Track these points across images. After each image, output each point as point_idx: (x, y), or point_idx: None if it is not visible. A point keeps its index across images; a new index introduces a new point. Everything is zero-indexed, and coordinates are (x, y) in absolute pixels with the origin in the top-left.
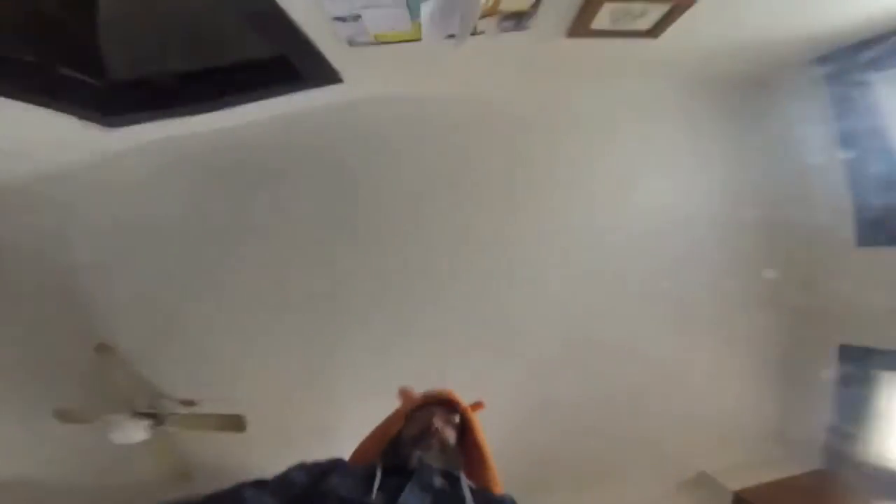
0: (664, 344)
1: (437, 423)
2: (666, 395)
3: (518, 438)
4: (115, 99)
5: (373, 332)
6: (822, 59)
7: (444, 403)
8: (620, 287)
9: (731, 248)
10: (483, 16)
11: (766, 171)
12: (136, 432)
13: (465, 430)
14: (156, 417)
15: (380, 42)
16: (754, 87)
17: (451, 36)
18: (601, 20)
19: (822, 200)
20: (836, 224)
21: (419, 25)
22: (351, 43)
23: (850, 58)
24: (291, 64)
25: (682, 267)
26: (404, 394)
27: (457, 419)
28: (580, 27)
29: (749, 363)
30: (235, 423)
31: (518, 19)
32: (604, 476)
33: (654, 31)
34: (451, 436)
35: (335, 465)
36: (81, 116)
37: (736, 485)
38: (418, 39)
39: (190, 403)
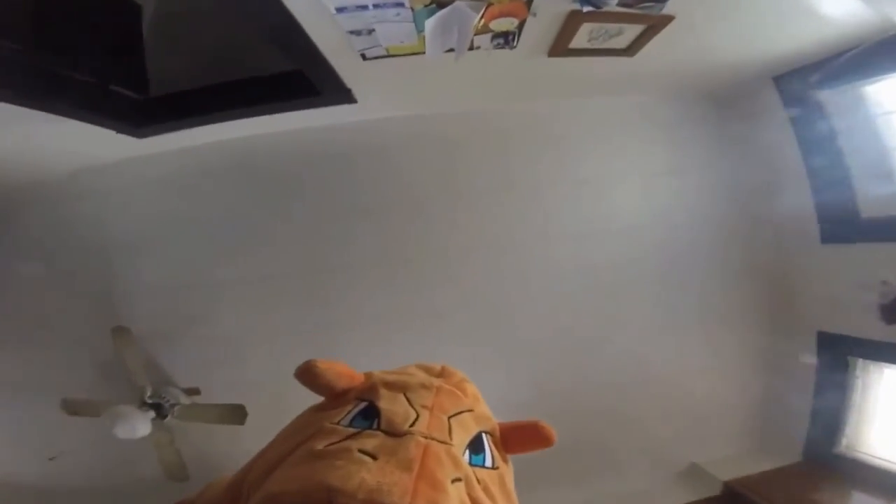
0: (655, 339)
1: None
2: (658, 389)
3: None
4: (149, 112)
5: (373, 321)
6: (779, 78)
7: None
8: (611, 285)
9: (711, 248)
10: (477, 33)
11: (738, 179)
12: (141, 425)
13: None
14: (160, 409)
15: (391, 55)
16: (724, 101)
17: (451, 50)
18: (579, 39)
19: (789, 204)
20: (803, 224)
21: (423, 39)
22: (365, 56)
23: (802, 77)
24: (309, 81)
25: (669, 265)
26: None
27: None
28: (560, 47)
29: (736, 357)
30: (236, 415)
31: (506, 38)
32: (598, 468)
33: (631, 49)
34: None
35: None
36: (119, 130)
37: (725, 475)
38: (423, 52)
39: (194, 392)
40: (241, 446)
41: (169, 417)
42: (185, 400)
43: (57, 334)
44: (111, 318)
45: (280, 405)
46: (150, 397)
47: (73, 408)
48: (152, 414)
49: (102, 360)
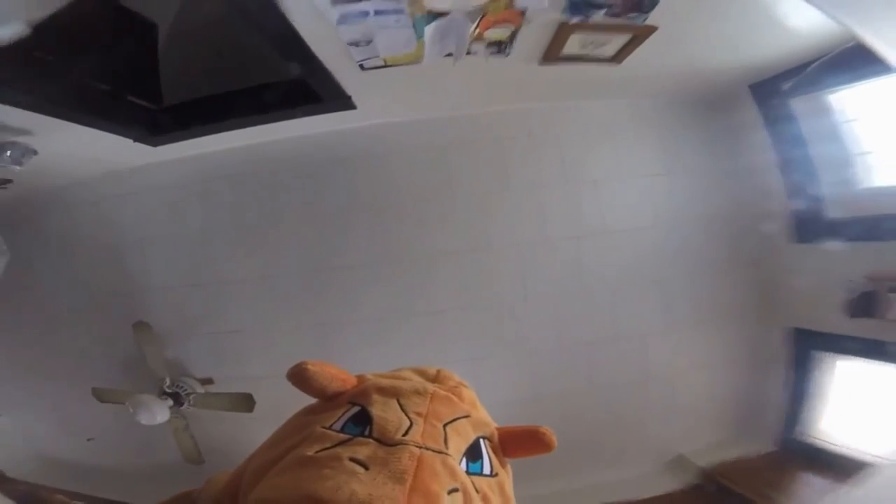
0: (646, 339)
1: None
2: (649, 386)
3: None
4: (163, 122)
5: (372, 320)
6: (755, 86)
7: None
8: (601, 285)
9: (696, 248)
10: (473, 41)
11: (719, 181)
12: (160, 413)
13: None
14: (177, 398)
15: (388, 65)
16: (706, 106)
17: (449, 55)
18: (570, 48)
19: (765, 205)
20: (776, 224)
21: (422, 45)
22: (363, 66)
23: (775, 85)
24: (311, 89)
25: (657, 265)
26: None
27: None
28: (551, 55)
29: (716, 350)
30: (246, 403)
31: (500, 46)
32: (585, 462)
33: (618, 57)
34: None
35: None
36: (136, 139)
37: (704, 463)
38: (420, 60)
39: (208, 382)
40: (247, 433)
41: (185, 405)
42: (199, 389)
43: (85, 331)
44: (131, 315)
45: (282, 397)
46: (169, 387)
47: (101, 396)
48: (170, 402)
49: (125, 353)
